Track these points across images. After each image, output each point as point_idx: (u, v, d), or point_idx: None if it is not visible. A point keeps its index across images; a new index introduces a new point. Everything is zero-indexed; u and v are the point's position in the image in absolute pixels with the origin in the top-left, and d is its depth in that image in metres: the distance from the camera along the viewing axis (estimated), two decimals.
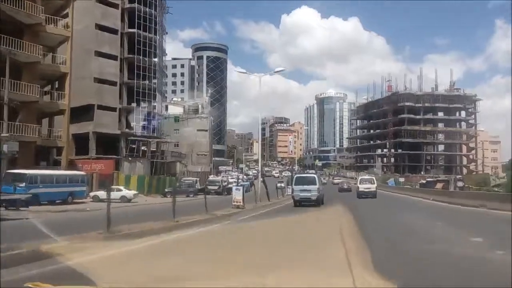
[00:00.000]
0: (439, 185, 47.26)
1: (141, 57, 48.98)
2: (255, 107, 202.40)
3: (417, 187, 51.51)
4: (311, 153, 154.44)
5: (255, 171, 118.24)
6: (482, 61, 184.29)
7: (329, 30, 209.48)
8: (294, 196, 23.68)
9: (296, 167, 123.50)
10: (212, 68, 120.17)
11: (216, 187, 41.53)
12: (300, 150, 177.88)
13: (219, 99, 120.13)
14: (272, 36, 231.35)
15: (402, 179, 70.12)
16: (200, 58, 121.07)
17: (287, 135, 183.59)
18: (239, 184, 27.64)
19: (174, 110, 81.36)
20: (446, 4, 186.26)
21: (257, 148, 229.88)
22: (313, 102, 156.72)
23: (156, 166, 49.29)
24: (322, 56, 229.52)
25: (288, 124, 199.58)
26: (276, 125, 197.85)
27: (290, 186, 31.08)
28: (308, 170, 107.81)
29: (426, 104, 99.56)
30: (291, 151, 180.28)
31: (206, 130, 79.48)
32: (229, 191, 44.94)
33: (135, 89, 48.52)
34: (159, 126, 54.18)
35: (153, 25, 50.75)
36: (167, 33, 59.82)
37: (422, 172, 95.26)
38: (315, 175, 27.43)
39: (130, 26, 48.65)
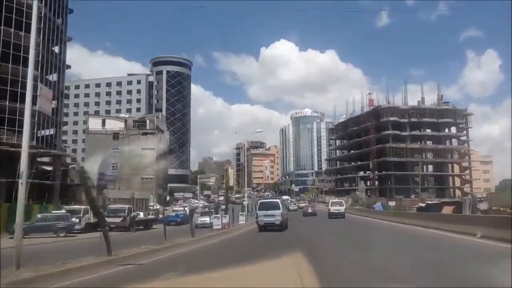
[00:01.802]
0: (447, 209, 34.13)
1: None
2: (237, 136, 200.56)
3: (412, 212, 37.88)
4: (287, 177, 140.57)
5: (221, 198, 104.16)
6: (456, 91, 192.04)
7: (307, 62, 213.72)
8: (259, 222, 23.21)
9: (267, 194, 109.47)
10: (173, 84, 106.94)
11: (118, 220, 27.08)
12: (277, 175, 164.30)
13: (180, 118, 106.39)
14: (252, 68, 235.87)
15: (392, 203, 56.83)
16: (159, 73, 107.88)
17: (262, 160, 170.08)
18: None
19: (114, 125, 67.05)
20: (420, 36, 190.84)
21: (231, 175, 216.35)
22: (288, 122, 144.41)
23: (50, 190, 34.57)
24: (300, 87, 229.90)
25: (264, 149, 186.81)
26: (251, 149, 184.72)
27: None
28: (281, 196, 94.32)
29: (413, 119, 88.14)
30: (267, 176, 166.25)
31: (153, 149, 65.04)
32: (147, 224, 31.00)
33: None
34: (58, 136, 39.73)
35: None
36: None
37: (412, 196, 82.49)
38: (278, 200, 26.86)
39: None
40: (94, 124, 66.47)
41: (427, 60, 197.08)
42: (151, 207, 52.94)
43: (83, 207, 27.53)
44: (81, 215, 26.45)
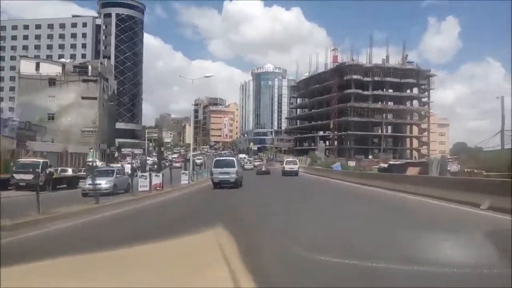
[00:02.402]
0: (412, 170, 31.27)
1: None
2: (196, 92, 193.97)
3: (374, 173, 34.87)
4: (246, 135, 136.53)
5: (175, 156, 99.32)
6: (416, 56, 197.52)
7: (271, 18, 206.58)
8: (213, 179, 23.08)
9: (225, 152, 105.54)
10: (123, 29, 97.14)
11: (29, 177, 21.51)
12: (237, 133, 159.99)
13: (131, 67, 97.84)
14: (214, 22, 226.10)
15: (352, 163, 54.26)
16: (108, 16, 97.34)
17: (221, 117, 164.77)
18: None
19: (50, 69, 59.00)
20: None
21: (189, 133, 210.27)
22: (249, 78, 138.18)
23: None
24: (264, 45, 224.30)
25: (223, 106, 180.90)
26: (210, 106, 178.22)
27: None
28: (238, 155, 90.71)
29: (376, 78, 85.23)
30: (226, 135, 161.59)
31: (95, 98, 58.10)
32: (71, 182, 26.08)
33: None
34: None
35: None
36: None
37: (370, 156, 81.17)
38: (233, 158, 28.42)
39: None
40: (28, 67, 58.04)
41: (390, 25, 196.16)
42: (90, 163, 47.15)
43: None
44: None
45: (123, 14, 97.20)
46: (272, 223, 8.70)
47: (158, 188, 18.59)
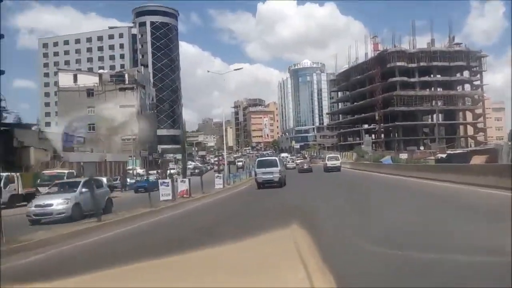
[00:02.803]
0: (477, 159, 27.45)
1: None
2: (236, 96, 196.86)
3: (434, 165, 31.20)
4: (287, 134, 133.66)
5: (216, 159, 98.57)
6: (461, 40, 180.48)
7: (305, 16, 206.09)
8: (257, 179, 22.92)
9: (267, 152, 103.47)
10: (159, 36, 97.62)
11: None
12: (278, 133, 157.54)
13: (169, 74, 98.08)
14: (249, 26, 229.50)
15: (403, 156, 50.21)
16: (142, 24, 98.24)
17: (261, 117, 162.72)
18: None
19: (87, 80, 59.55)
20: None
21: (231, 135, 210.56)
22: (286, 76, 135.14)
23: None
24: (300, 43, 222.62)
25: (263, 106, 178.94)
26: (249, 107, 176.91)
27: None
28: (280, 154, 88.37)
29: (422, 64, 79.81)
30: (267, 135, 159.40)
31: (133, 106, 57.92)
32: None
33: None
34: None
35: None
36: None
37: (422, 147, 75.97)
38: (276, 158, 27.65)
39: None
40: (66, 80, 58.91)
41: (429, 12, 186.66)
42: (130, 171, 46.62)
43: (4, 174, 20.68)
44: (1, 184, 19.55)
45: (157, 21, 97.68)
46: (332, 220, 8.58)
47: (185, 196, 16.48)
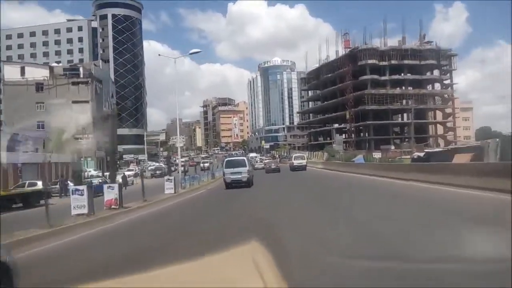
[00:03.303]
0: (460, 157, 25.11)
1: None
2: (207, 95, 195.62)
3: (412, 164, 28.72)
4: (257, 134, 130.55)
5: (183, 160, 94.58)
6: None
7: (275, 17, 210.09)
8: (226, 179, 22.94)
9: (236, 152, 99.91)
10: (120, 30, 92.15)
11: None
12: (248, 133, 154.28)
13: (132, 70, 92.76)
14: (219, 25, 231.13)
15: (377, 155, 47.94)
16: (103, 17, 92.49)
17: (230, 117, 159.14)
18: None
19: (37, 73, 54.13)
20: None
21: (199, 135, 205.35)
22: (256, 74, 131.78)
23: None
24: (271, 44, 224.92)
25: (232, 105, 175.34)
26: (218, 107, 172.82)
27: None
28: (249, 154, 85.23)
29: (393, 62, 78.53)
30: (236, 135, 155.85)
31: (87, 102, 53.00)
32: (29, 200, 21.03)
33: None
34: None
35: None
36: None
37: (392, 147, 74.58)
38: (244, 157, 27.94)
39: None
40: (12, 73, 53.24)
41: (396, 16, 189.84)
42: (82, 173, 41.75)
43: None
44: None
45: (119, 14, 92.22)
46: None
47: (113, 207, 12.69)
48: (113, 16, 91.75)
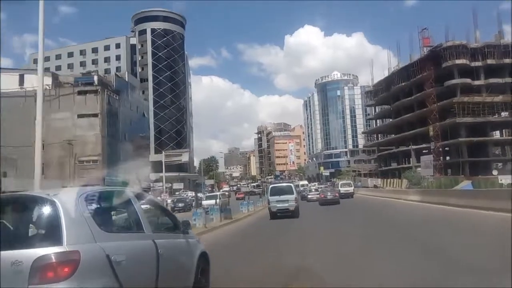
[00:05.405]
0: None
1: None
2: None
3: None
4: (314, 160, 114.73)
5: (227, 188, 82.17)
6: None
7: (333, 47, 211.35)
8: (271, 208, 21.48)
9: (290, 180, 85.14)
10: (161, 45, 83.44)
11: None
12: (305, 159, 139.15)
13: (172, 89, 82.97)
14: (277, 58, 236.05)
15: (506, 180, 31.16)
16: (142, 33, 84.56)
17: (286, 143, 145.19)
18: None
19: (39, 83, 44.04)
20: (450, 11, 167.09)
21: (254, 164, 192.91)
22: (312, 91, 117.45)
23: None
24: (329, 73, 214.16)
25: (288, 131, 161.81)
26: (273, 132, 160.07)
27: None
28: (300, 182, 71.56)
29: (489, 61, 60.79)
30: (293, 162, 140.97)
31: (96, 115, 41.89)
32: None
33: None
34: None
35: None
36: None
37: (494, 172, 55.83)
38: (291, 184, 25.25)
39: None
40: (9, 82, 44.18)
41: (460, 31, 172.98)
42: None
43: None
44: None
45: (158, 28, 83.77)
46: None
47: None
48: (152, 30, 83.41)
